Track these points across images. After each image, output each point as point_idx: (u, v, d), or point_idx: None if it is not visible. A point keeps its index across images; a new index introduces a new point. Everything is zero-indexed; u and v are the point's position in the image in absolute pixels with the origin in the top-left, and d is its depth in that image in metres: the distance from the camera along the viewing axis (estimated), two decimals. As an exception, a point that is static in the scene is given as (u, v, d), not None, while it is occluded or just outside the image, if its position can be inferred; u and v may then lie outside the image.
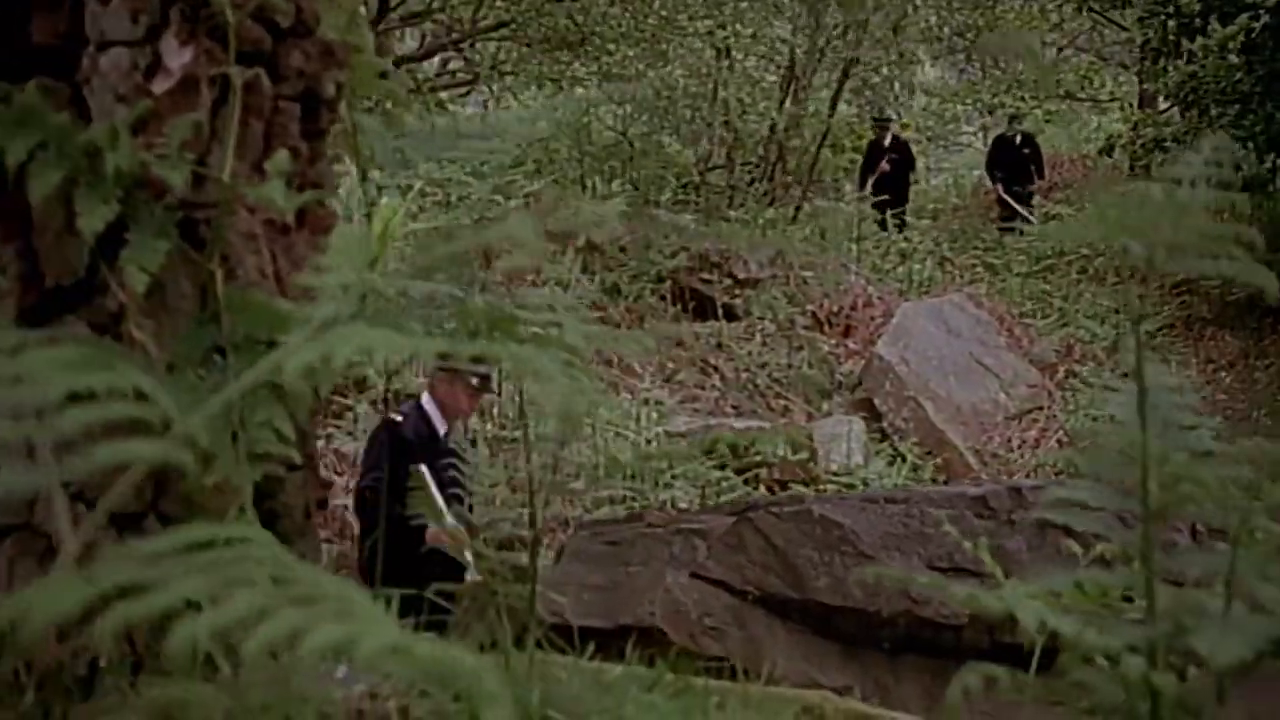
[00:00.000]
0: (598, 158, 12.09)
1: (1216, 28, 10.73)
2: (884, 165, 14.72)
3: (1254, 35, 10.85)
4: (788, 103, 17.35)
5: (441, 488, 5.14)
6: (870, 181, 14.63)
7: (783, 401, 10.03)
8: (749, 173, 17.93)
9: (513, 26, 10.74)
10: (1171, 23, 10.85)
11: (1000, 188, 15.62)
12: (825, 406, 10.06)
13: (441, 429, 5.86)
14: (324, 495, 2.10)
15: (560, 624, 3.12)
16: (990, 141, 16.77)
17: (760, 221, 13.71)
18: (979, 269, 13.44)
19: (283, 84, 2.00)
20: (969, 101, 18.38)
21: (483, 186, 9.46)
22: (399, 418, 6.03)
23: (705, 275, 10.71)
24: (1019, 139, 15.88)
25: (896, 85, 20.30)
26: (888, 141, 15.33)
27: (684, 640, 3.15)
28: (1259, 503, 1.52)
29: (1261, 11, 10.76)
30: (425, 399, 6.07)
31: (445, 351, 6.38)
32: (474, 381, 5.90)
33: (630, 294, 10.01)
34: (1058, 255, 13.80)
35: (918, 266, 12.39)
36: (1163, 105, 14.64)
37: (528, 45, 11.11)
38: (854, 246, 12.30)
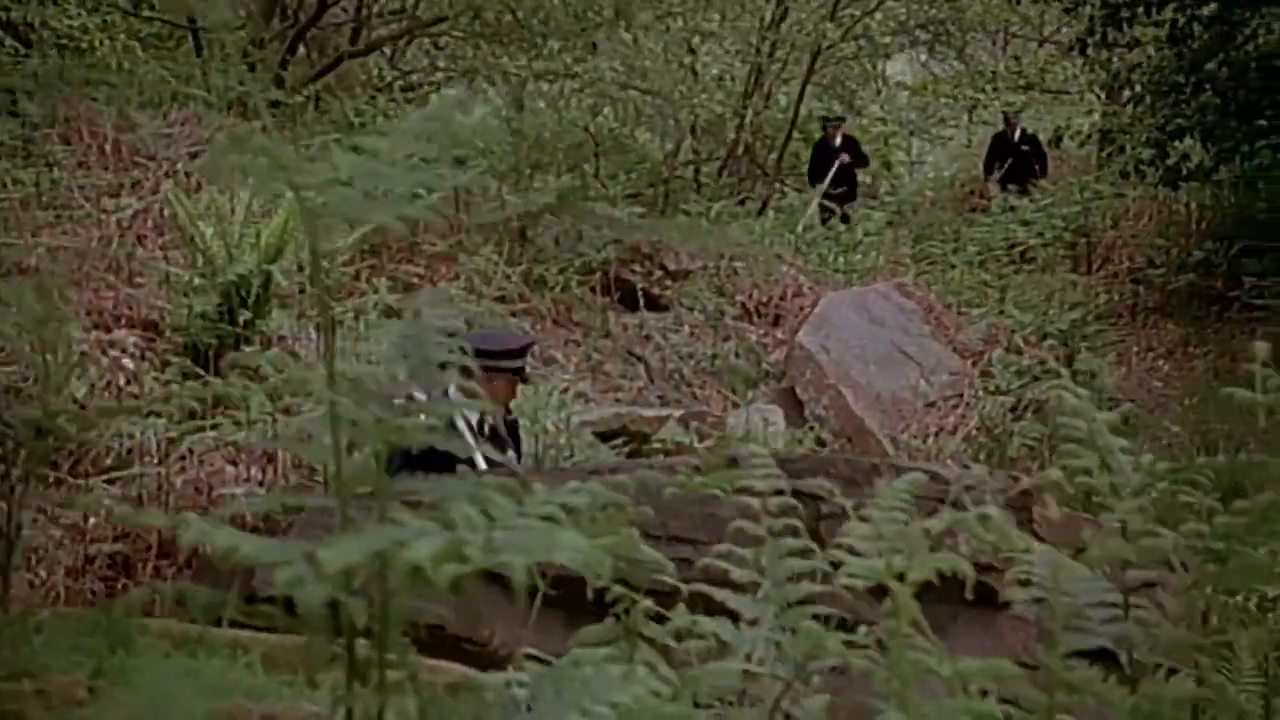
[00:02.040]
0: (535, 150, 12.21)
1: (1143, 18, 10.83)
2: (843, 159, 14.78)
3: (1180, 26, 10.93)
4: (754, 96, 17.52)
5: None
6: (828, 178, 14.67)
7: (708, 391, 10.17)
8: (717, 166, 18.12)
9: (449, 21, 10.92)
10: (1098, 13, 10.93)
11: (995, 184, 15.56)
12: (750, 395, 10.20)
13: (472, 419, 5.93)
14: None
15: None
16: (989, 140, 16.64)
17: (712, 214, 13.86)
18: (928, 260, 13.56)
19: None
20: (945, 95, 18.43)
21: (406, 179, 9.59)
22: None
23: (636, 267, 10.86)
24: (1018, 136, 15.86)
25: (871, 79, 20.47)
26: (838, 141, 15.38)
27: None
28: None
29: (1187, 3, 10.84)
30: (453, 392, 6.17)
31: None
32: (512, 374, 6.10)
33: (557, 285, 10.15)
34: (1007, 247, 13.92)
35: (858, 257, 12.52)
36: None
37: (462, 38, 11.30)
38: (793, 237, 12.44)
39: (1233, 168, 12.79)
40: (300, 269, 8.81)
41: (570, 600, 3.53)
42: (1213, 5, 10.82)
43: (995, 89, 16.74)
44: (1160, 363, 12.35)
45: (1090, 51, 11.58)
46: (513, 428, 6.38)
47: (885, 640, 1.59)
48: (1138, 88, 11.89)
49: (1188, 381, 11.88)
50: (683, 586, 1.96)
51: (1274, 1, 10.87)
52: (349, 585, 1.29)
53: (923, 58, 20.53)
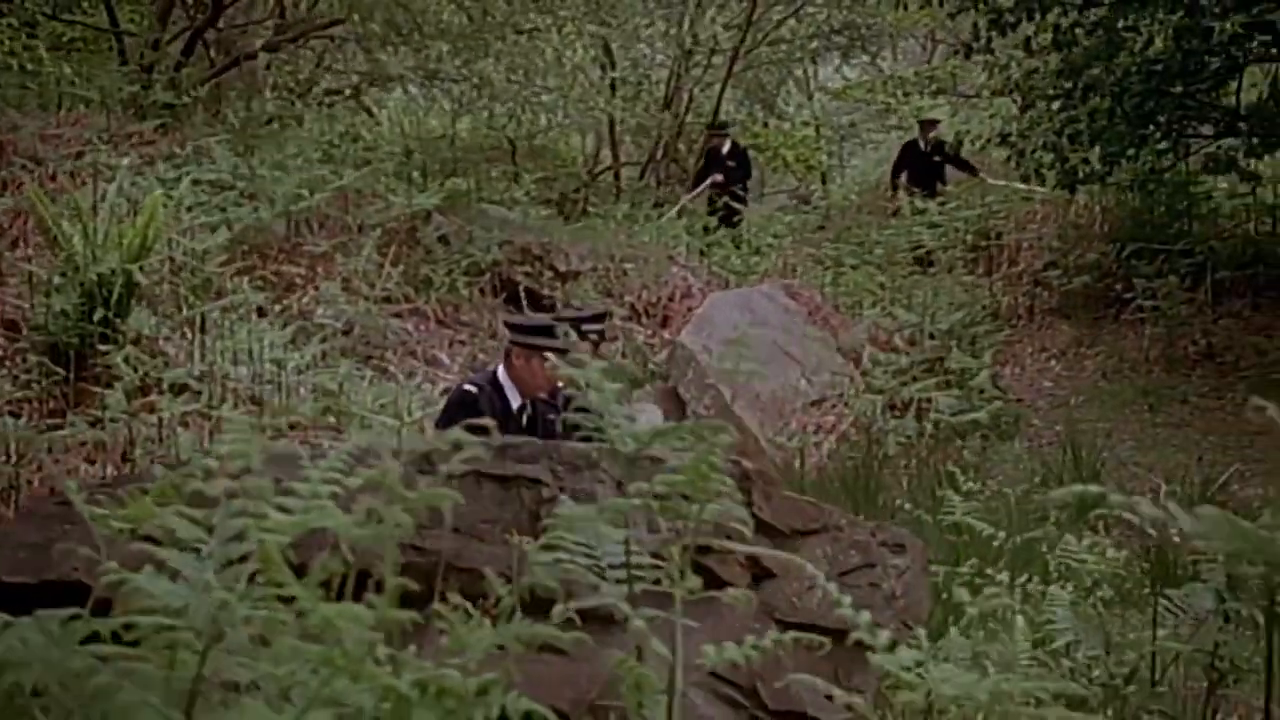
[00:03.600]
0: (446, 152, 12.24)
1: (1028, 23, 10.99)
2: (715, 177, 14.90)
3: (1064, 31, 11.09)
4: (674, 101, 17.68)
5: None
6: (705, 185, 14.85)
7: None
8: (639, 170, 18.26)
9: (344, 25, 10.98)
10: (982, 18, 11.08)
11: (901, 192, 15.58)
12: (635, 395, 10.31)
13: (515, 403, 5.80)
14: None
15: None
16: (901, 147, 16.65)
17: (619, 216, 13.99)
18: (830, 263, 13.70)
19: None
20: (858, 100, 18.63)
21: (289, 180, 9.66)
22: (474, 388, 5.90)
23: (527, 268, 10.96)
24: (930, 146, 15.79)
25: (800, 84, 20.64)
26: (726, 149, 15.48)
27: (107, 593, 3.36)
28: None
29: (1070, 7, 11.00)
30: (500, 372, 5.98)
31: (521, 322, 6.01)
32: (553, 357, 5.64)
33: (443, 285, 10.23)
34: (910, 249, 14.10)
35: (755, 259, 12.66)
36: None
37: (356, 41, 11.36)
38: (689, 239, 12.59)
39: (1131, 169, 12.99)
40: (176, 270, 8.88)
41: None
42: (1095, 10, 10.99)
43: (905, 94, 16.92)
44: (1052, 363, 12.53)
45: (974, 56, 11.73)
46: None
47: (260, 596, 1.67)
48: (1030, 92, 12.06)
49: (1075, 381, 12.08)
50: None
51: (1156, 7, 11.06)
52: None
53: (837, 62, 20.66)
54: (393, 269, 9.96)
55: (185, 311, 8.14)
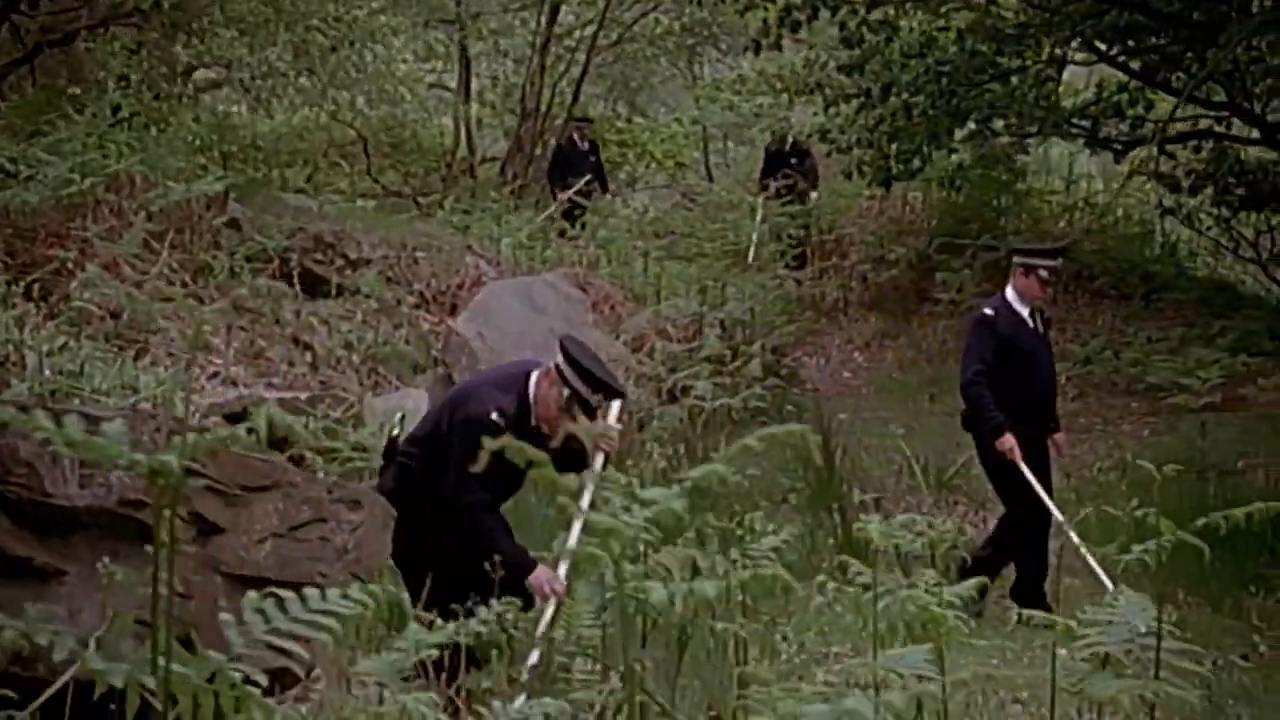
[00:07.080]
0: (228, 140, 12.28)
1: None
2: (564, 194, 14.73)
3: (850, 30, 11.28)
4: (526, 98, 17.83)
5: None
6: (565, 183, 14.87)
7: (372, 379, 10.39)
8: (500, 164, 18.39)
9: (147, 15, 11.03)
10: (771, 15, 11.25)
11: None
12: (418, 380, 10.46)
13: (1030, 321, 6.94)
14: None
15: None
16: (764, 153, 16.53)
17: (446, 208, 14.13)
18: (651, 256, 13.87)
19: None
20: (706, 99, 18.81)
21: (61, 164, 9.72)
22: (990, 311, 6.96)
23: (319, 256, 11.07)
24: (789, 147, 15.66)
25: (665, 80, 20.82)
26: (585, 144, 15.48)
27: None
28: None
29: (859, 7, 11.20)
30: (1010, 292, 6.94)
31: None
32: (1043, 273, 6.92)
33: (223, 272, 10.30)
34: (733, 243, 14.34)
35: (567, 251, 12.80)
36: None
37: (155, 32, 11.43)
38: (495, 229, 12.73)
39: (942, 167, 13.25)
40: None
41: None
42: (878, 10, 11.20)
43: (749, 91, 17.14)
44: (856, 354, 12.80)
45: (762, 53, 11.95)
46: None
47: None
48: (827, 91, 12.29)
49: (874, 372, 12.34)
50: None
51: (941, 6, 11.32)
52: None
53: (729, 60, 20.77)
54: (170, 254, 10.04)
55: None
